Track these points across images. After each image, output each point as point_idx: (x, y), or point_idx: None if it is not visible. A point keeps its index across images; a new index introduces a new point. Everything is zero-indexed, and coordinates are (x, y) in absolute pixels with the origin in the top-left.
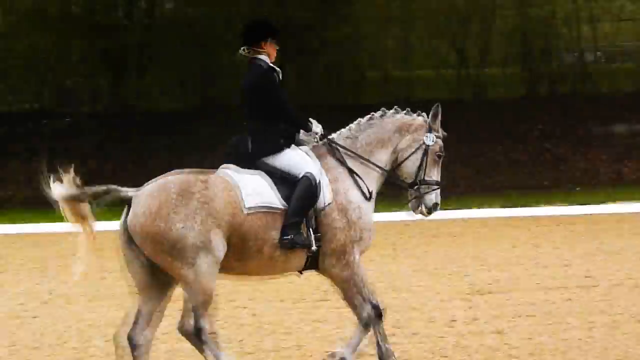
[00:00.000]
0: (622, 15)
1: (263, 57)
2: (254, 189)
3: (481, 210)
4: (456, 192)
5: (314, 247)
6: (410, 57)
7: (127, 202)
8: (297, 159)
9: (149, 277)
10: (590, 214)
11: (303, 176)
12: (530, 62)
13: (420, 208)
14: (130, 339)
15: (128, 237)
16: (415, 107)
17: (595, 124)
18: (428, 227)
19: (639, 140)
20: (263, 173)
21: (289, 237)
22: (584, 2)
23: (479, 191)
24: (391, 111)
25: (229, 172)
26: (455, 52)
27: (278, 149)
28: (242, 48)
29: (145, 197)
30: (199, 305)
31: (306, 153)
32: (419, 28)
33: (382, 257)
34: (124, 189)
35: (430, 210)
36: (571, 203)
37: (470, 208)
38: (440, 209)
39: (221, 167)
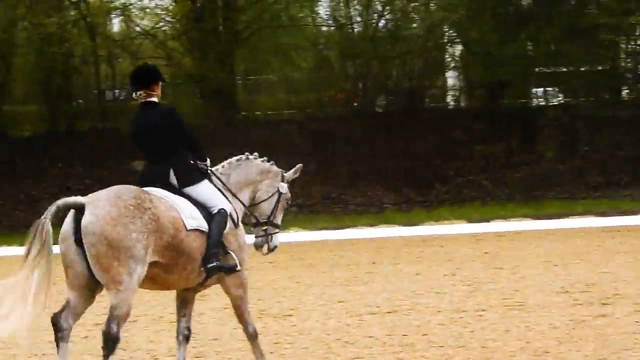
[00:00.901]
0: (139, 54)
1: (155, 98)
2: (190, 213)
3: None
4: None
5: (238, 268)
6: None
7: (76, 207)
8: (212, 191)
9: (85, 279)
10: None
11: (220, 210)
12: (50, 99)
13: (265, 246)
14: (55, 322)
15: (77, 238)
16: None
17: (117, 161)
18: None
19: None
20: (188, 200)
21: (214, 263)
22: (103, 40)
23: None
24: (252, 156)
25: (164, 193)
26: None
27: (198, 180)
28: (136, 92)
29: (105, 203)
30: (123, 314)
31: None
32: None
33: None
34: (71, 198)
35: (272, 250)
36: None
37: None
38: None
39: (149, 189)
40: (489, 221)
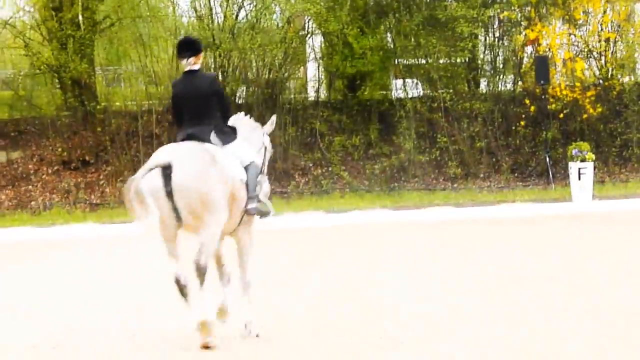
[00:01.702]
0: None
1: (198, 66)
2: (237, 166)
3: None
4: None
5: (273, 213)
6: None
7: (164, 166)
8: (244, 147)
9: (174, 228)
10: None
11: (252, 162)
12: None
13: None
14: (178, 279)
15: (167, 192)
16: None
17: None
18: None
19: (15, 167)
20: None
21: (254, 205)
22: None
23: None
24: (241, 114)
25: (217, 149)
26: None
27: (233, 139)
28: (186, 59)
29: (189, 161)
30: (211, 251)
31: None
32: None
33: None
34: (159, 159)
35: (267, 196)
36: None
37: None
38: None
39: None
40: (348, 212)
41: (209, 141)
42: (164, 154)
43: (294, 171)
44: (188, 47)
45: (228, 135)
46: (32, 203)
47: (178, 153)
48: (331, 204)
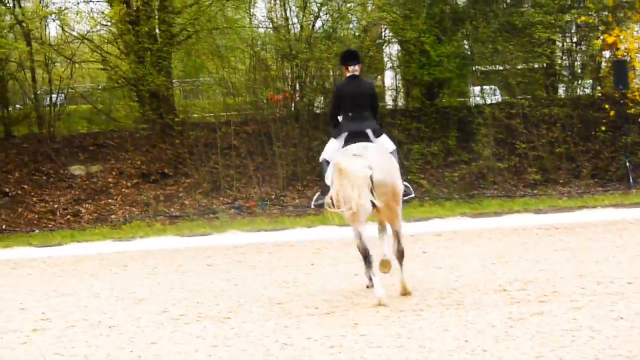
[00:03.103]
0: (76, 58)
1: (359, 72)
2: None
3: None
4: None
5: (413, 194)
6: None
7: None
8: (387, 139)
9: (367, 215)
10: (48, 256)
11: (393, 150)
12: None
13: None
14: (367, 254)
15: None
16: None
17: (54, 165)
18: None
19: (95, 181)
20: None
21: (406, 187)
22: (39, 45)
23: None
24: None
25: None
26: None
27: (382, 133)
28: (353, 66)
29: (384, 160)
30: (404, 235)
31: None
32: None
33: None
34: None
35: None
36: (29, 245)
37: None
38: None
39: (361, 144)
40: (428, 220)
41: (367, 135)
42: (360, 152)
43: None
44: (355, 56)
45: (378, 130)
46: (112, 217)
47: (372, 154)
48: (410, 212)
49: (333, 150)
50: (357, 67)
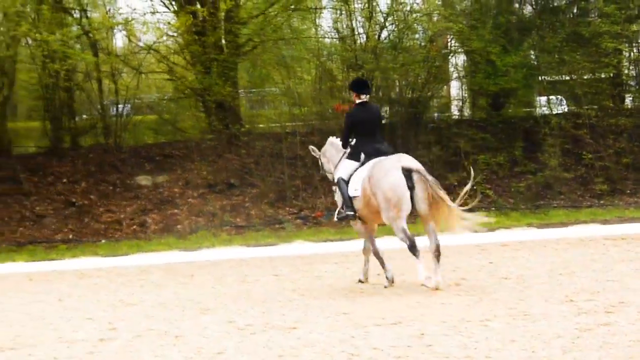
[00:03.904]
0: (142, 68)
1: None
2: None
3: (5, 265)
4: None
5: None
6: None
7: (407, 170)
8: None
9: (408, 212)
10: (114, 266)
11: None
12: (54, 115)
13: None
14: (414, 243)
15: (409, 186)
16: None
17: (121, 175)
18: None
19: (161, 191)
20: None
21: None
22: (105, 56)
23: (5, 245)
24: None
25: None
26: None
27: (392, 151)
28: (364, 94)
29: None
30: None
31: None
32: None
33: None
34: (406, 164)
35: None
36: (96, 255)
37: None
38: None
39: (389, 157)
40: (493, 231)
41: (386, 153)
42: (403, 161)
43: None
44: (367, 85)
45: (392, 149)
46: (178, 227)
47: (410, 161)
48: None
49: (349, 169)
50: (367, 96)
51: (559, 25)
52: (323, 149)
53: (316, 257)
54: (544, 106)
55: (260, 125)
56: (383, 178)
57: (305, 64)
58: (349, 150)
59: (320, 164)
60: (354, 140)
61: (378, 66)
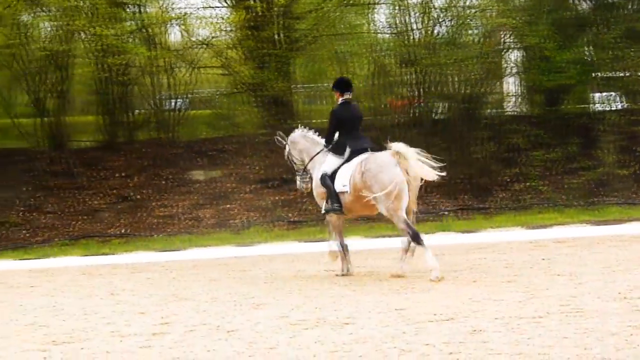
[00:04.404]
0: (197, 63)
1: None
2: None
3: (60, 259)
4: (37, 242)
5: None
6: None
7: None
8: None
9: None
10: (167, 261)
11: None
12: (109, 110)
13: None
14: (417, 234)
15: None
16: None
17: (175, 170)
18: (6, 276)
19: (215, 186)
20: None
21: None
22: (161, 51)
23: (59, 239)
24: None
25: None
26: (33, 101)
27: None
28: (347, 93)
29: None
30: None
31: None
32: None
33: None
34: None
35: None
36: (149, 250)
37: (48, 257)
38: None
39: (382, 152)
40: (547, 227)
41: (367, 149)
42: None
43: (493, 186)
44: (350, 84)
45: (370, 143)
46: (231, 221)
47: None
48: (531, 219)
49: (334, 164)
50: (350, 95)
51: (615, 22)
52: (291, 138)
53: (370, 252)
54: (599, 103)
55: (314, 121)
56: (381, 172)
57: (359, 59)
58: (332, 145)
59: (286, 152)
60: (337, 136)
61: (433, 62)
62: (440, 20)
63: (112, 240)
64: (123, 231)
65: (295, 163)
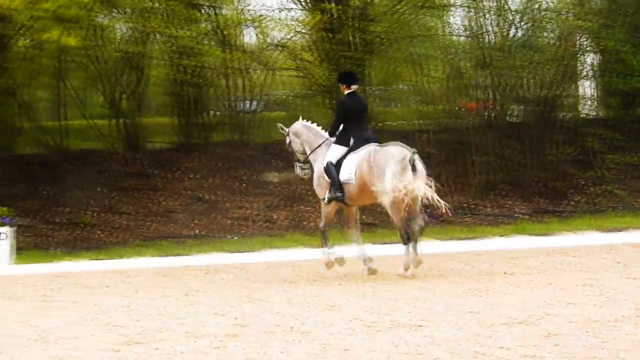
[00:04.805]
0: (272, 65)
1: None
2: None
3: (133, 260)
4: (112, 242)
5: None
6: (62, 107)
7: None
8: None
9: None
10: (242, 262)
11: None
12: (184, 111)
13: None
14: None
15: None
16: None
17: (250, 172)
18: (81, 277)
19: (289, 188)
20: None
21: None
22: (236, 52)
23: (133, 240)
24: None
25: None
26: (108, 102)
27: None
28: (353, 85)
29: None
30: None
31: None
32: (71, 78)
33: (32, 308)
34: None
35: None
36: (223, 251)
37: (122, 258)
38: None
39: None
40: (623, 231)
41: (373, 141)
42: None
43: (569, 189)
44: (356, 78)
45: (373, 134)
46: (305, 223)
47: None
48: (606, 222)
49: (338, 153)
50: (356, 87)
51: None
52: (294, 129)
53: (444, 255)
54: None
55: (388, 123)
56: (390, 167)
57: (434, 62)
58: (336, 135)
59: (287, 142)
60: (342, 126)
61: (508, 64)
62: (515, 22)
63: (187, 241)
64: (197, 232)
65: (296, 153)
